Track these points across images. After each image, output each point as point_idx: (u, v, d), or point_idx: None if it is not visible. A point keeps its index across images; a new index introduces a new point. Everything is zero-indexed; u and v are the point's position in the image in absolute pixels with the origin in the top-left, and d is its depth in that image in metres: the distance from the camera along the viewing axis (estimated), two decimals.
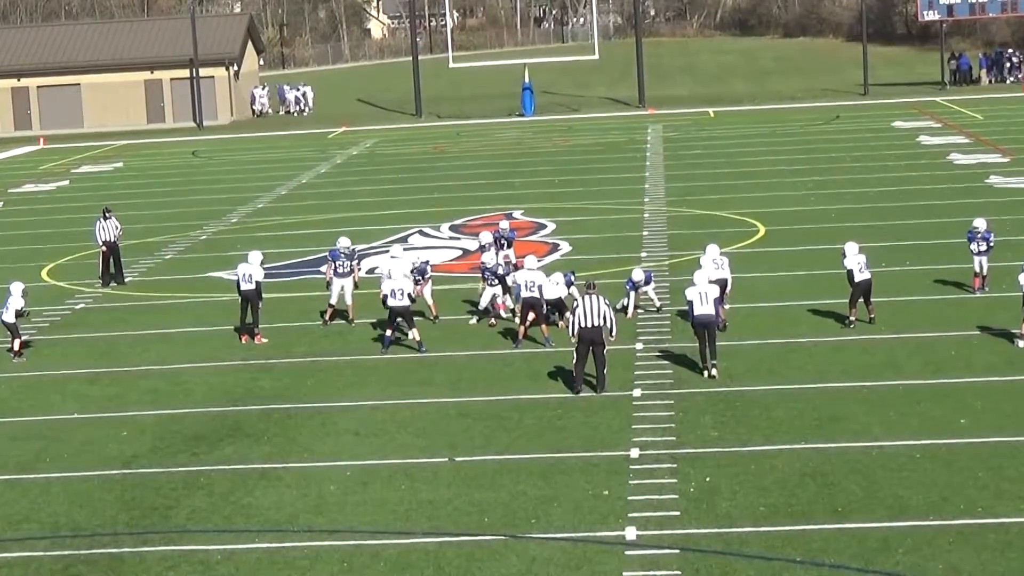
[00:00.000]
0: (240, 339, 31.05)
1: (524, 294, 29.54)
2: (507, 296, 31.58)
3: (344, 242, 32.52)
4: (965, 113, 73.69)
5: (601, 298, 25.75)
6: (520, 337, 29.53)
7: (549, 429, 23.88)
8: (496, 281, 31.45)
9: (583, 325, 25.51)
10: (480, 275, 31.92)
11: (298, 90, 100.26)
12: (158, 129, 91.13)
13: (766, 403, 24.64)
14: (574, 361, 25.77)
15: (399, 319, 29.44)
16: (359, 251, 41.14)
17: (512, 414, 24.78)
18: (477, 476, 21.67)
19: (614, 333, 26.00)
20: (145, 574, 18.52)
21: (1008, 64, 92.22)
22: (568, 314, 26.80)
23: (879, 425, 23.17)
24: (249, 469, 22.53)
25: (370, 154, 70.74)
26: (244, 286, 30.85)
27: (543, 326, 29.36)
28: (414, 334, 29.42)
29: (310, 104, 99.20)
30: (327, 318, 32.23)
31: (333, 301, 32.14)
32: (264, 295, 31.51)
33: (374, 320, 31.78)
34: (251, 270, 30.90)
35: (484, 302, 31.64)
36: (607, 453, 22.39)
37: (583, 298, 25.95)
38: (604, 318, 25.54)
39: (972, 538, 18.30)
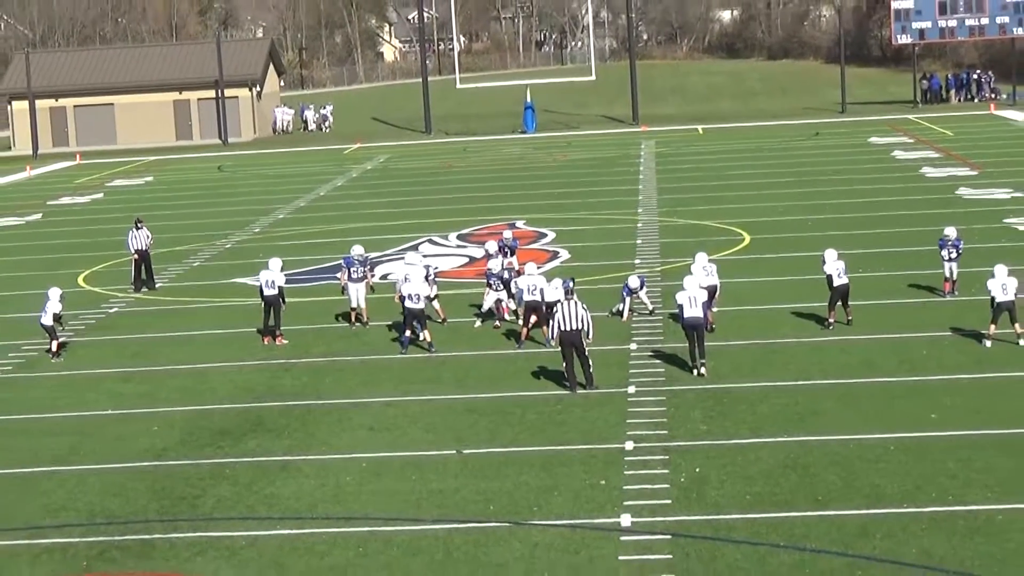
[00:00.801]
0: (263, 341, 31.03)
1: (526, 298, 29.55)
2: (510, 300, 31.58)
3: (358, 250, 32.50)
4: (936, 130, 73.63)
5: (579, 303, 25.77)
6: (523, 338, 29.53)
7: (550, 424, 23.87)
8: (500, 286, 31.45)
9: (562, 329, 25.54)
10: (485, 280, 31.90)
11: (323, 109, 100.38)
12: (186, 146, 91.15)
13: (751, 399, 24.63)
14: (564, 364, 25.78)
15: (414, 321, 29.44)
16: (373, 259, 41.20)
17: (515, 410, 24.77)
18: (483, 467, 21.66)
19: (591, 335, 25.97)
20: (174, 559, 18.52)
21: (976, 83, 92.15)
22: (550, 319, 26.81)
23: (856, 419, 23.16)
24: (271, 461, 22.52)
25: (383, 169, 70.71)
26: (267, 291, 30.83)
27: (544, 328, 29.34)
28: (426, 335, 29.42)
29: (331, 122, 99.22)
30: (352, 320, 32.20)
31: (354, 304, 32.14)
32: (287, 299, 31.55)
33: (389, 323, 31.78)
34: (273, 276, 30.88)
35: (487, 305, 31.64)
36: (604, 446, 22.38)
37: (562, 303, 25.96)
38: (581, 321, 25.55)
39: (943, 524, 18.30)
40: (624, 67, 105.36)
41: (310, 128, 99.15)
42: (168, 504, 20.70)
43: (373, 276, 32.99)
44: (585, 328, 25.64)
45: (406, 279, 30.04)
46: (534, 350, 28.99)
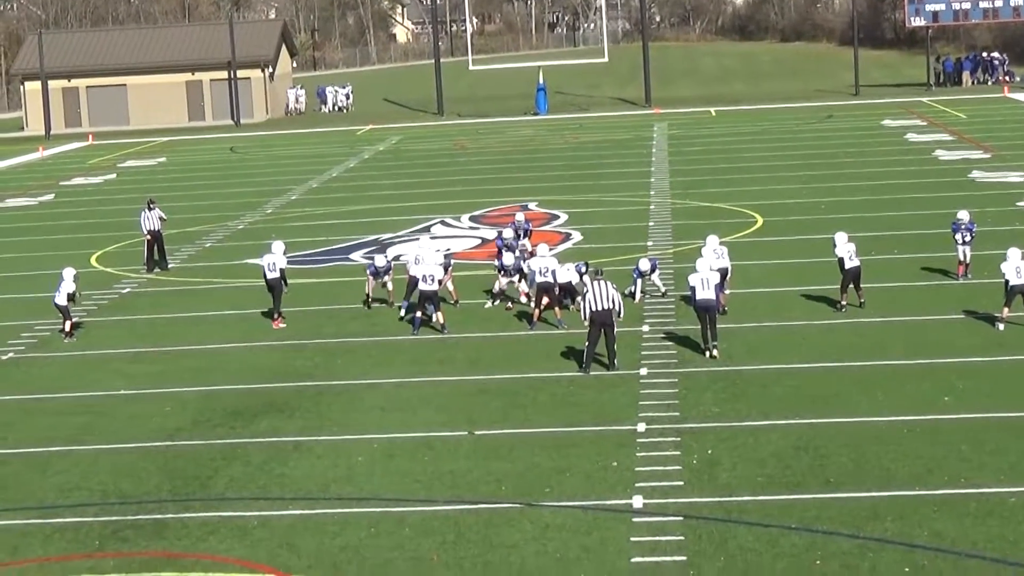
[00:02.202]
0: (273, 324, 30.96)
1: (538, 279, 29.53)
2: (523, 282, 31.54)
3: (381, 262, 32.07)
4: (949, 112, 73.48)
5: (609, 284, 25.80)
6: (535, 320, 29.53)
7: (562, 405, 23.89)
8: (514, 272, 31.40)
9: (594, 308, 25.54)
10: (497, 267, 31.75)
11: (343, 88, 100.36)
12: (198, 127, 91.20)
13: (763, 381, 24.62)
14: (587, 343, 25.77)
15: (427, 302, 29.46)
16: (385, 240, 41.29)
17: (527, 391, 24.79)
18: (495, 448, 21.69)
19: (621, 315, 26.02)
20: (187, 538, 18.57)
21: (989, 66, 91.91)
22: (580, 299, 26.86)
23: (868, 402, 23.14)
24: (283, 441, 22.56)
25: (395, 150, 70.70)
26: (269, 275, 30.80)
27: (556, 309, 29.36)
28: (438, 317, 29.42)
29: (352, 101, 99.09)
30: (369, 303, 31.97)
31: (367, 290, 32.01)
32: (291, 280, 31.54)
33: (401, 304, 31.76)
34: (275, 259, 30.85)
35: (498, 288, 31.60)
36: (616, 427, 22.39)
37: (593, 284, 25.97)
38: (612, 301, 25.58)
39: (955, 507, 18.29)
40: (637, 49, 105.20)
41: (331, 108, 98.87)
42: (180, 484, 20.75)
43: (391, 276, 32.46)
44: (616, 308, 25.65)
45: (417, 261, 30.00)
46: (546, 332, 28.99)
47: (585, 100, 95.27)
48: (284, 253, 31.36)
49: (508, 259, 31.51)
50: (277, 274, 30.75)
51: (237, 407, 24.69)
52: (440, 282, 29.77)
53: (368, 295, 31.91)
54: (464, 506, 19.23)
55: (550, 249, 31.53)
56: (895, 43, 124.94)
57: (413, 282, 29.82)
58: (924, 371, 24.85)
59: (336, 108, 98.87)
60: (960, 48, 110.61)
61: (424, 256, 30.12)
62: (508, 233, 33.37)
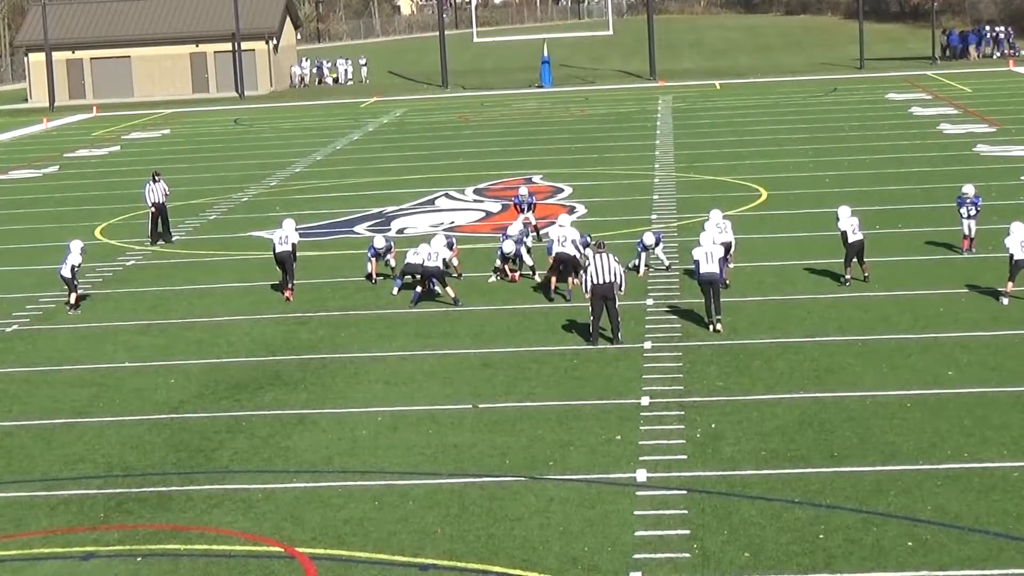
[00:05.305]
0: (287, 294, 30.83)
1: (556, 249, 29.44)
2: (528, 256, 31.44)
3: (380, 242, 31.96)
4: (954, 86, 73.32)
5: (611, 256, 25.76)
6: (552, 288, 29.47)
7: (566, 378, 23.89)
8: (513, 259, 31.33)
9: (595, 282, 25.51)
10: (498, 256, 31.69)
11: (346, 61, 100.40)
12: (202, 98, 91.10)
13: (767, 355, 24.61)
14: (591, 317, 25.76)
15: (432, 278, 29.43)
16: (389, 213, 41.24)
17: (531, 364, 24.79)
18: (499, 422, 21.70)
19: (623, 288, 25.98)
20: (191, 511, 18.59)
21: (995, 39, 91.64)
22: (581, 272, 26.84)
23: (872, 376, 23.14)
24: (287, 414, 22.58)
25: (400, 123, 70.61)
26: (279, 248, 30.70)
27: (570, 280, 29.32)
28: (449, 291, 29.36)
29: (366, 75, 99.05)
30: (374, 278, 31.91)
31: (369, 269, 31.96)
32: (298, 253, 31.40)
33: (395, 283, 31.73)
34: (287, 234, 30.77)
35: (499, 264, 31.61)
36: (619, 401, 22.40)
37: (594, 257, 25.92)
38: (614, 274, 25.55)
39: (959, 481, 18.29)
40: (641, 21, 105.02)
41: (341, 81, 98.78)
42: (185, 456, 20.77)
43: (393, 253, 32.39)
44: (617, 281, 25.62)
45: (415, 252, 29.80)
46: (550, 305, 28.95)
47: (590, 73, 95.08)
48: (295, 229, 31.33)
49: (508, 246, 31.36)
50: (288, 248, 30.68)
51: (242, 380, 24.70)
52: (446, 262, 29.75)
53: (371, 273, 31.87)
54: (468, 479, 19.24)
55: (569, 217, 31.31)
56: (900, 16, 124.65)
57: (409, 267, 29.73)
58: (928, 345, 24.84)
59: (346, 80, 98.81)
60: (965, 21, 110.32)
61: (433, 240, 29.97)
62: (514, 229, 32.76)
